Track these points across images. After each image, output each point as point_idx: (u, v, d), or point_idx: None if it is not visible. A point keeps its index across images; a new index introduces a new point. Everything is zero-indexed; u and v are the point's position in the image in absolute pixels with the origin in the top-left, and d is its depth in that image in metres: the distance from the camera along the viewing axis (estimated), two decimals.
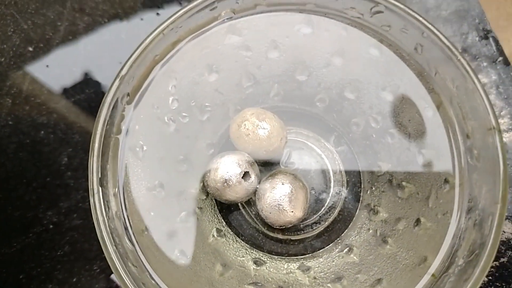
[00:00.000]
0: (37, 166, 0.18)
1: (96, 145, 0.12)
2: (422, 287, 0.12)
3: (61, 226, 0.17)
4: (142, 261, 0.12)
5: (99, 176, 0.12)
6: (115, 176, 0.13)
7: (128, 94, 0.14)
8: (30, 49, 0.20)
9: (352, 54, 0.16)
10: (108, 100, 0.13)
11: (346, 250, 0.15)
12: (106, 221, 0.11)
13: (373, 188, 0.16)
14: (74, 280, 0.17)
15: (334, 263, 0.15)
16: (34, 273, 0.17)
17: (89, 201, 0.18)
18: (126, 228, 0.12)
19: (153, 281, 0.11)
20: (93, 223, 0.18)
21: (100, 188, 0.12)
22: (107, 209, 0.12)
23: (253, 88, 0.17)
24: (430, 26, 0.15)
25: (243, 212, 0.16)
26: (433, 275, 0.12)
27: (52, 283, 0.17)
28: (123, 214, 0.12)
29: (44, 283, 0.17)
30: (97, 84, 0.20)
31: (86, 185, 0.18)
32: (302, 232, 0.16)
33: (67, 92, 0.19)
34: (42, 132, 0.19)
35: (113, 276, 0.16)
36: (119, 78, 0.13)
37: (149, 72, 0.15)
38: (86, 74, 0.20)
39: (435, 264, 0.12)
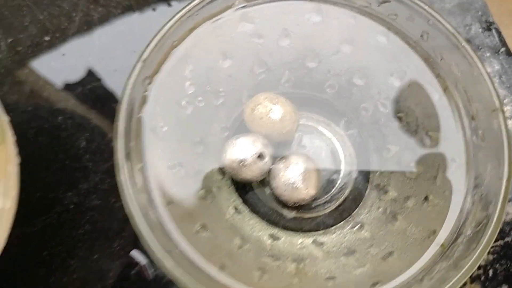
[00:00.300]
0: (55, 150, 0.19)
1: (121, 123, 0.13)
2: (431, 256, 0.13)
3: (81, 206, 0.18)
4: (167, 233, 0.12)
5: (124, 152, 0.13)
6: (139, 153, 0.13)
7: (148, 77, 0.15)
8: (47, 38, 0.21)
9: (360, 42, 0.17)
10: (130, 82, 0.14)
11: (357, 227, 0.16)
12: (133, 194, 0.12)
13: (385, 166, 0.17)
14: (95, 257, 0.18)
15: (346, 238, 0.16)
16: (56, 250, 0.18)
17: (107, 182, 0.19)
18: (150, 201, 0.13)
19: (177, 250, 0.12)
20: (112, 203, 0.19)
21: (126, 163, 0.12)
22: (133, 183, 0.12)
23: (265, 74, 0.18)
24: (435, 14, 0.16)
25: (258, 191, 0.17)
26: (442, 245, 0.13)
27: (73, 260, 0.18)
28: (147, 188, 0.13)
29: (66, 260, 0.18)
30: (111, 72, 0.21)
31: (104, 168, 0.19)
32: (315, 210, 0.16)
33: (84, 80, 0.20)
34: (60, 117, 0.19)
35: (133, 253, 0.17)
36: (141, 61, 0.14)
37: (166, 57, 0.15)
38: (100, 63, 0.21)
39: (444, 235, 0.13)
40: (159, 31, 0.15)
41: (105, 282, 0.18)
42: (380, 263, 0.14)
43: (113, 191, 0.20)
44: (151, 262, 0.18)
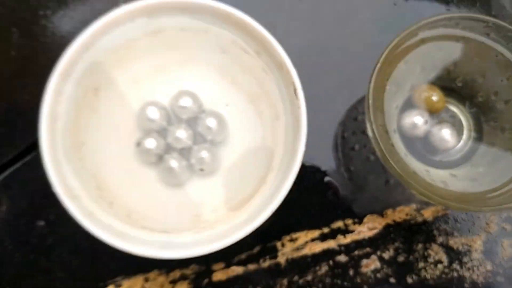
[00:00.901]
0: None
1: (371, 98, 0.24)
2: None
3: None
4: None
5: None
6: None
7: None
8: None
9: (487, 57, 0.28)
10: (376, 71, 0.25)
11: (475, 166, 0.28)
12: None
13: (491, 132, 0.29)
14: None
15: (469, 172, 0.28)
16: None
17: None
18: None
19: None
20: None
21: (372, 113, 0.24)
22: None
23: (422, 73, 0.29)
24: None
25: (416, 143, 0.29)
26: None
27: None
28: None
29: None
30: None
31: None
32: (449, 157, 0.29)
33: None
34: None
35: (330, 180, 0.29)
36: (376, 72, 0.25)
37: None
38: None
39: None
40: (388, 45, 0.25)
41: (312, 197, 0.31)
42: (496, 183, 0.26)
43: None
44: (338, 188, 0.31)
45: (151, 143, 0.27)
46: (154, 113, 0.27)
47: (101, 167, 0.26)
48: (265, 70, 0.26)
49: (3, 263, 0.31)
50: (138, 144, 0.27)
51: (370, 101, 0.25)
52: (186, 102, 0.27)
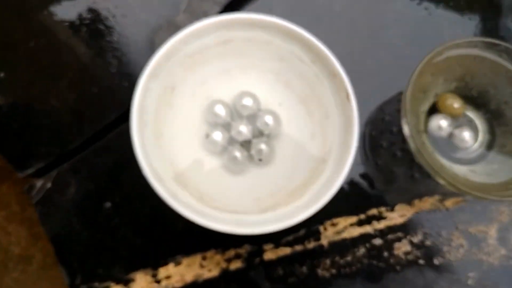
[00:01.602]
0: None
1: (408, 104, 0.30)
2: None
3: None
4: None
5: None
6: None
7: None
8: None
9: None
10: (411, 82, 0.31)
11: (490, 163, 0.34)
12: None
13: (502, 135, 0.35)
14: None
15: (485, 168, 0.34)
16: None
17: None
18: None
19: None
20: None
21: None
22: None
23: (444, 84, 0.35)
24: None
25: (440, 143, 0.35)
26: None
27: None
28: None
29: None
30: None
31: None
32: (467, 155, 0.35)
33: None
34: None
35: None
36: (412, 82, 0.31)
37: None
38: None
39: None
40: (421, 61, 0.32)
41: None
42: (508, 177, 0.32)
43: None
44: (373, 180, 0.36)
45: (218, 135, 0.32)
46: (221, 110, 0.32)
47: (175, 154, 0.31)
48: (317, 76, 0.32)
49: (72, 241, 0.36)
50: (207, 136, 0.32)
51: (408, 107, 0.31)
52: (248, 101, 0.32)
